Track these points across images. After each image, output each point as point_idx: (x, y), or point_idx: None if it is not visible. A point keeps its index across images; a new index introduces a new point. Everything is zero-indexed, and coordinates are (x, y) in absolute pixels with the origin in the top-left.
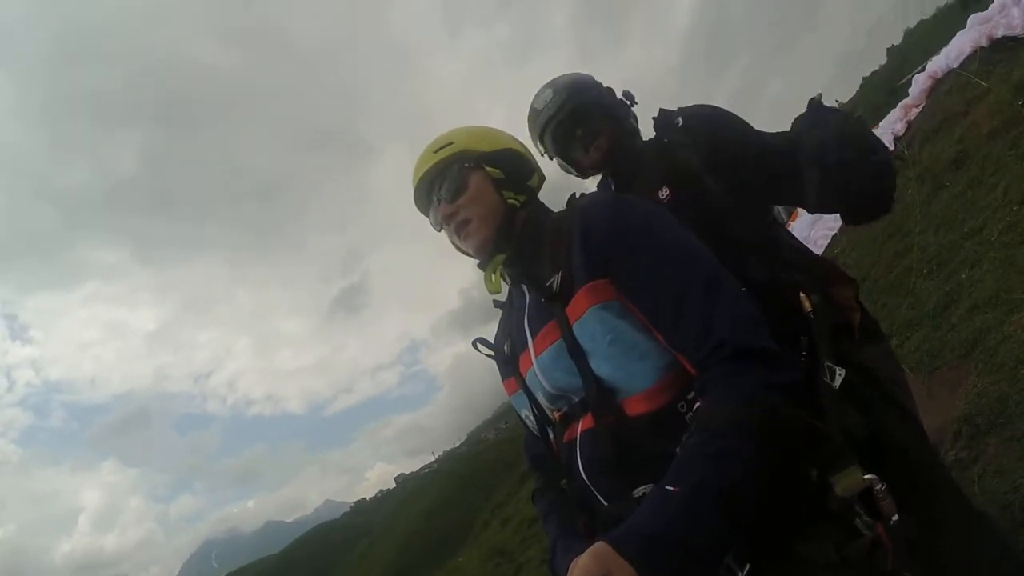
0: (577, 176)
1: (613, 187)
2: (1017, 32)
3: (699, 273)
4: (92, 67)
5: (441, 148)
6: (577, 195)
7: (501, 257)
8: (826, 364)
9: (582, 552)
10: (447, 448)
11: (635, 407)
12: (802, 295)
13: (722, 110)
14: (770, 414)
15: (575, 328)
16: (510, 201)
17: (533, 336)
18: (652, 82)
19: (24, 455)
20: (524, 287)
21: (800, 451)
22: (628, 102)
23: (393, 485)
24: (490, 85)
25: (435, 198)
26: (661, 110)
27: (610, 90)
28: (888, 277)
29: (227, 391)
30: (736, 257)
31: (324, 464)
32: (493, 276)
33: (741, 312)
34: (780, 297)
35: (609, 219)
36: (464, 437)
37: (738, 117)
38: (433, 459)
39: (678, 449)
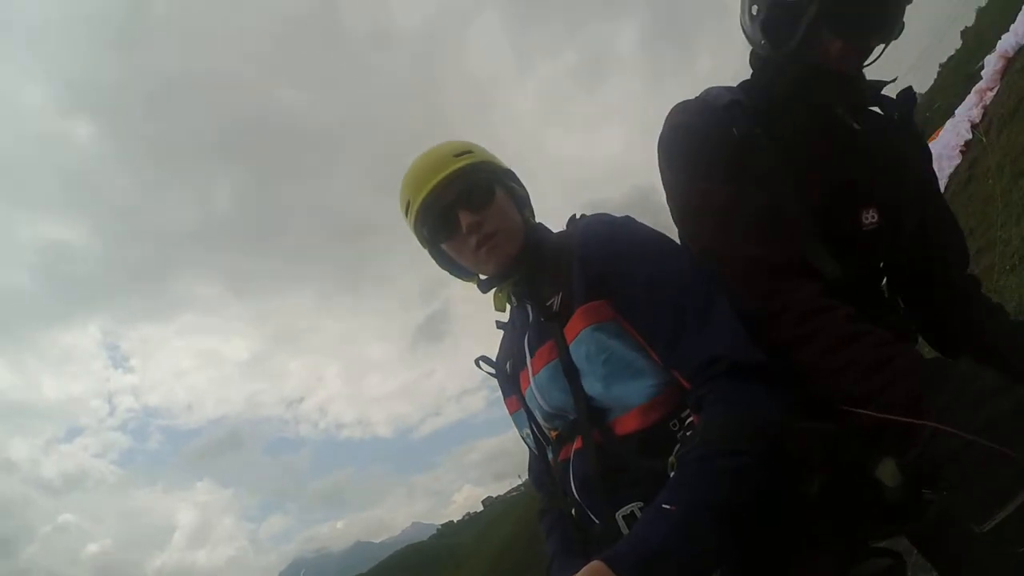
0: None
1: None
2: None
3: (696, 294)
4: (186, 112)
5: (462, 154)
6: (577, 216)
7: (515, 276)
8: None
9: (577, 571)
10: None
11: (626, 425)
12: None
13: None
14: (767, 430)
15: (571, 348)
16: (529, 220)
17: (532, 355)
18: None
19: (122, 475)
20: (528, 307)
21: (805, 463)
22: None
23: (480, 508)
24: (563, 113)
25: (448, 204)
26: None
27: None
28: None
29: (318, 415)
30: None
31: (412, 486)
32: (501, 294)
33: (737, 330)
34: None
35: (608, 240)
36: None
37: None
38: (520, 482)
39: (671, 459)
